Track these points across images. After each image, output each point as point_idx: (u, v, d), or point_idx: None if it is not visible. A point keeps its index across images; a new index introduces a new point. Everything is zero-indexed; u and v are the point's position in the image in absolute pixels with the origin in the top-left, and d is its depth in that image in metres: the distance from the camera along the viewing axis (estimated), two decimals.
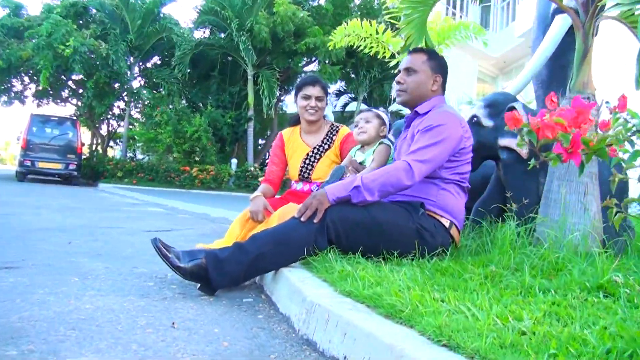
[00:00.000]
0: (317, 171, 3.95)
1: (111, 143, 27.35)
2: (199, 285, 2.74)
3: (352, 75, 23.42)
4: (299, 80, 4.05)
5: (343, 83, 24.23)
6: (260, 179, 19.73)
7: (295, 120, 4.20)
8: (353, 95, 24.00)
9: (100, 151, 25.64)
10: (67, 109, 29.92)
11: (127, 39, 20.93)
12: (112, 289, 2.79)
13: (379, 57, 9.21)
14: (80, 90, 22.80)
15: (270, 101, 20.33)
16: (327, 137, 4.02)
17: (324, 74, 20.54)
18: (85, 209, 8.34)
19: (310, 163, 3.98)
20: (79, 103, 24.05)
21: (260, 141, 25.63)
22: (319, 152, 3.98)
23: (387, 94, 23.56)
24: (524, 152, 3.54)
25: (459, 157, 2.97)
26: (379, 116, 3.39)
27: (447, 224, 2.96)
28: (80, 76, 21.64)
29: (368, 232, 2.78)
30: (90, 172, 21.08)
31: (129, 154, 24.30)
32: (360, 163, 3.31)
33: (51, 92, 24.27)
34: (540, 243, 3.02)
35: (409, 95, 3.14)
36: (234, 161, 20.88)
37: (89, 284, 2.88)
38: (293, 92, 4.15)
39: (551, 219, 3.24)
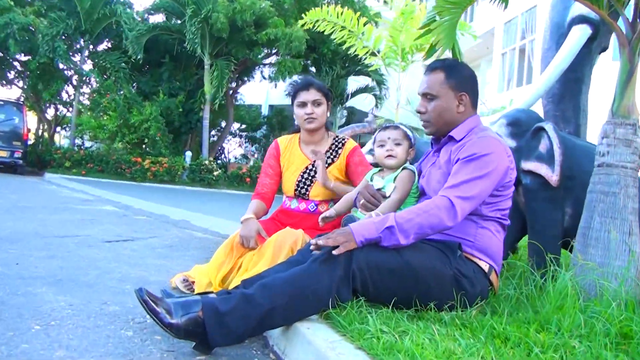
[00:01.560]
0: (316, 188, 3.48)
1: (58, 129, 26.11)
2: (193, 343, 2.22)
3: (313, 70, 22.89)
4: (290, 86, 3.54)
5: (300, 75, 23.68)
6: (215, 173, 19.39)
7: (294, 130, 3.73)
8: None
9: (47, 138, 24.43)
10: (13, 92, 28.46)
11: (73, 20, 19.72)
12: (85, 346, 2.25)
13: (351, 51, 8.77)
14: (28, 73, 21.57)
15: (219, 91, 19.57)
16: (332, 150, 3.54)
17: (284, 67, 19.98)
18: (35, 208, 7.65)
19: (309, 178, 3.50)
20: (25, 85, 22.80)
21: (214, 132, 24.83)
22: None
23: (346, 90, 23.17)
24: (554, 178, 3.14)
25: (502, 191, 2.55)
26: (408, 137, 2.90)
27: (486, 268, 2.53)
28: (29, 57, 20.43)
29: (401, 280, 2.33)
30: (36, 159, 19.99)
31: (77, 141, 23.19)
32: (377, 189, 2.82)
33: None
34: (586, 293, 2.62)
35: (434, 125, 2.70)
36: (189, 154, 20.12)
37: (54, 336, 2.34)
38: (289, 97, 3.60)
39: (592, 261, 2.85)
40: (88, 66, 21.91)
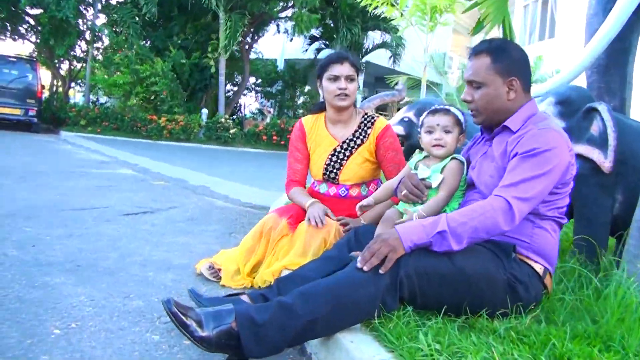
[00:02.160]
0: (347, 171, 3.26)
1: (72, 84, 25.86)
2: (227, 355, 2.06)
3: (330, 24, 22.32)
4: (323, 58, 3.28)
5: (319, 30, 23.07)
6: (231, 131, 19.14)
7: (318, 107, 3.45)
8: (328, 43, 22.94)
9: (62, 93, 24.22)
10: (26, 47, 28.08)
11: None
12: (109, 355, 2.09)
13: (370, 8, 8.42)
14: (40, 28, 21.20)
15: (231, 44, 19.14)
16: (360, 130, 3.30)
17: (300, 21, 19.48)
18: (50, 173, 7.49)
19: (338, 161, 3.27)
20: (37, 40, 22.46)
21: (229, 87, 24.48)
22: (350, 148, 3.27)
23: (363, 45, 22.65)
24: (607, 165, 2.90)
25: (561, 188, 2.31)
26: (459, 122, 2.64)
27: (541, 271, 2.32)
28: (41, 10, 20.01)
29: (451, 287, 2.13)
30: (51, 117, 19.77)
31: (92, 97, 22.96)
32: (421, 179, 2.57)
33: (8, 27, 22.58)
34: None
35: (483, 115, 2.45)
36: (205, 111, 19.82)
37: (76, 343, 2.19)
38: (316, 73, 3.36)
39: None
40: (101, 20, 21.53)
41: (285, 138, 19.43)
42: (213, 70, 19.86)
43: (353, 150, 3.25)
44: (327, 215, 3.06)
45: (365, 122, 3.30)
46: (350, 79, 3.16)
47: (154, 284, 3.02)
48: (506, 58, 2.39)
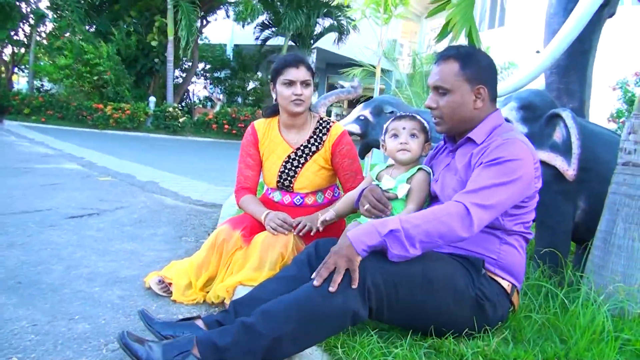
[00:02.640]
0: (302, 179, 3.13)
1: (16, 69, 24.87)
2: None
3: (280, 9, 22.04)
4: (277, 61, 3.10)
5: (269, 16, 22.75)
6: (180, 120, 18.74)
7: (272, 111, 3.28)
8: (276, 29, 22.65)
9: (5, 79, 23.28)
10: None
11: None
12: None
13: None
14: None
15: (189, 39, 18.75)
16: (315, 136, 3.16)
17: (248, 6, 19.19)
18: None
19: (293, 168, 3.13)
20: None
21: (178, 73, 23.95)
22: (305, 155, 3.14)
23: (313, 31, 22.46)
24: (570, 172, 2.86)
25: (527, 201, 2.24)
26: (424, 129, 2.54)
27: (509, 288, 2.25)
28: None
29: (420, 300, 2.05)
30: None
31: (36, 83, 22.14)
32: (386, 190, 2.46)
33: None
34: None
35: (447, 123, 2.35)
36: (152, 99, 19.33)
37: None
38: (270, 76, 3.19)
39: (612, 270, 2.61)
40: (45, 4, 20.77)
41: (236, 127, 19.19)
42: (155, 45, 19.27)
43: (308, 157, 3.12)
44: (284, 221, 2.91)
45: (321, 127, 3.17)
46: (305, 84, 3.01)
47: (101, 301, 2.84)
48: (475, 65, 2.29)
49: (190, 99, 25.89)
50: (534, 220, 2.41)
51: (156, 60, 20.28)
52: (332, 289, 1.93)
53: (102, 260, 3.59)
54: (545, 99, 3.15)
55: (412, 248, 1.99)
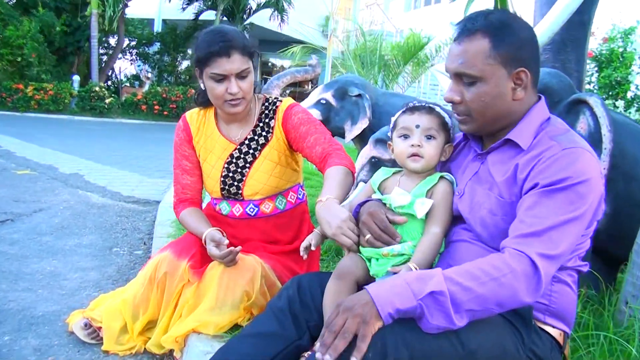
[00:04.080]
0: (252, 182, 2.40)
1: None
2: None
3: None
4: (200, 44, 2.25)
5: None
6: (107, 101, 17.57)
7: (205, 99, 2.45)
8: (205, 2, 21.55)
9: None
10: None
11: None
12: None
13: None
14: None
15: (115, 11, 17.60)
16: (262, 124, 2.43)
17: None
18: None
19: (239, 170, 2.41)
20: None
21: (103, 51, 22.56)
22: (252, 151, 2.41)
23: (247, 5, 21.54)
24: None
25: (588, 228, 1.65)
26: (446, 128, 1.86)
27: (561, 338, 1.67)
28: None
29: None
30: None
31: None
32: (395, 207, 1.81)
33: None
34: None
35: (476, 121, 1.71)
36: (76, 78, 17.99)
37: None
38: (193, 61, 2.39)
39: None
40: None
41: (167, 108, 18.24)
42: (80, 21, 18.05)
43: (256, 153, 2.41)
44: (228, 245, 2.19)
45: (267, 112, 2.44)
46: (243, 76, 2.25)
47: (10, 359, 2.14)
48: (512, 40, 1.65)
49: (117, 78, 24.50)
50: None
51: (80, 36, 18.94)
52: (329, 357, 1.30)
53: (14, 289, 2.86)
54: (563, 80, 2.61)
55: (458, 318, 1.38)
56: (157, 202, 5.12)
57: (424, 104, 1.85)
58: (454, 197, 1.81)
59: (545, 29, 3.12)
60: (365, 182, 3.42)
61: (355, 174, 3.52)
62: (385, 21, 22.64)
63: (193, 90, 19.35)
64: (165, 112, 18.20)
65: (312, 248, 1.86)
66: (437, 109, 1.84)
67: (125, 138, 12.01)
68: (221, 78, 2.21)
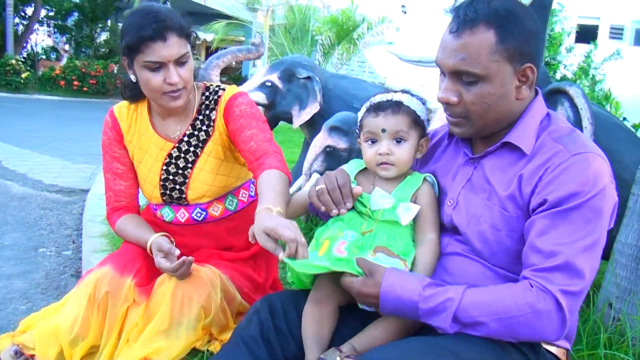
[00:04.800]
0: (196, 185, 2.09)
1: None
2: None
3: None
4: (125, 27, 1.94)
5: None
6: (23, 75, 16.56)
7: (136, 92, 2.09)
8: None
9: None
10: None
11: None
12: None
13: None
14: None
15: None
16: (202, 116, 2.11)
17: None
18: None
19: (180, 172, 2.10)
20: None
21: (18, 21, 21.28)
22: (193, 149, 2.10)
23: None
24: None
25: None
26: (419, 122, 1.63)
27: (564, 356, 1.53)
28: None
29: None
30: None
31: None
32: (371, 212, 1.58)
33: None
34: None
35: (475, 125, 1.50)
36: None
37: None
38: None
39: None
40: None
41: (87, 84, 17.39)
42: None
43: (198, 150, 2.10)
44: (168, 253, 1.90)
45: (208, 102, 2.13)
46: (181, 61, 1.94)
47: None
48: (520, 32, 1.44)
49: (33, 50, 23.18)
50: None
51: None
52: None
53: None
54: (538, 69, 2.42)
55: (453, 327, 1.36)
56: (83, 191, 4.76)
57: (388, 100, 1.61)
58: (445, 207, 1.61)
59: None
60: (320, 173, 3.19)
61: (309, 164, 3.29)
62: None
63: (114, 65, 18.55)
64: (85, 88, 17.34)
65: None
66: (406, 101, 1.61)
67: (45, 117, 11.28)
68: (157, 66, 1.88)
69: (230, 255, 2.16)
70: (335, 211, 1.50)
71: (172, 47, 1.88)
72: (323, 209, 1.53)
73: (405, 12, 19.98)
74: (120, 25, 23.09)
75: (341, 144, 3.12)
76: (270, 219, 1.47)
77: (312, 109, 3.59)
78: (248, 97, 2.13)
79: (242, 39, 20.08)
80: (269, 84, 3.70)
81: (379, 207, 1.56)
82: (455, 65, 1.43)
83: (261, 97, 3.64)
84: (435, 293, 1.36)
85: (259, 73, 3.85)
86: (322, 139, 3.15)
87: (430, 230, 1.58)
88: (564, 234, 1.33)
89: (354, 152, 3.11)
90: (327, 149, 3.14)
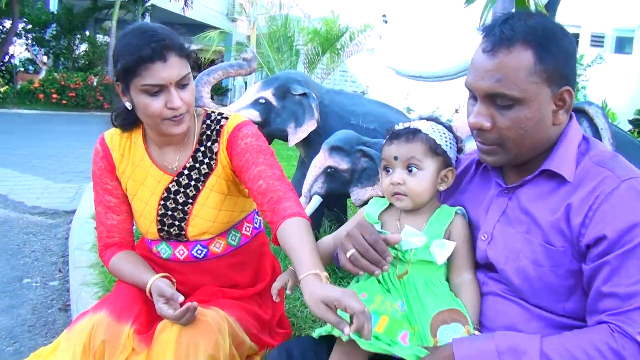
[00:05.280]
0: (198, 221, 1.92)
1: None
2: None
3: None
4: (119, 47, 1.76)
5: None
6: (1, 89, 16.23)
7: (129, 120, 1.93)
8: None
9: None
10: None
11: None
12: None
13: None
14: None
15: None
16: (204, 148, 1.93)
17: None
18: None
19: (179, 207, 1.92)
20: None
21: None
22: (194, 182, 1.92)
23: None
24: None
25: None
26: (438, 151, 1.50)
27: None
28: None
29: None
30: None
31: None
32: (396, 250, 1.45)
33: None
34: None
35: (510, 153, 1.40)
36: None
37: None
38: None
39: None
40: None
41: (66, 97, 17.07)
42: None
43: (200, 184, 1.92)
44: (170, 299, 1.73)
45: (210, 132, 1.94)
46: (182, 84, 1.77)
47: None
48: (559, 53, 1.33)
49: (11, 63, 22.81)
50: None
51: None
52: None
53: None
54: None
55: None
56: (67, 213, 4.56)
57: (406, 128, 1.51)
58: (479, 242, 1.48)
59: None
60: (321, 195, 3.04)
61: (309, 185, 3.14)
62: (294, 5, 22.25)
63: (93, 78, 18.28)
64: (64, 101, 17.03)
65: (288, 292, 1.54)
66: (425, 129, 1.51)
67: (24, 132, 10.98)
68: (157, 90, 1.72)
69: (235, 293, 1.98)
70: (378, 272, 1.36)
71: (173, 68, 1.72)
72: (362, 273, 1.39)
73: (386, 22, 20.00)
74: (99, 36, 23.07)
75: (343, 164, 2.98)
76: (332, 289, 1.31)
77: (309, 126, 3.45)
78: (253, 127, 1.95)
79: (222, 49, 19.89)
80: (263, 101, 3.55)
81: (411, 247, 1.44)
82: (490, 87, 1.33)
83: (255, 115, 3.49)
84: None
85: (252, 89, 3.71)
86: (322, 160, 3.01)
87: (467, 269, 1.48)
88: (635, 271, 1.24)
89: (356, 173, 2.98)
90: (328, 170, 3.00)
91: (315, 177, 3.02)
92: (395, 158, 1.49)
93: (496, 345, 1.26)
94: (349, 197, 3.08)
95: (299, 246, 1.54)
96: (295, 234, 1.59)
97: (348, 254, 1.38)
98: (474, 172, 1.61)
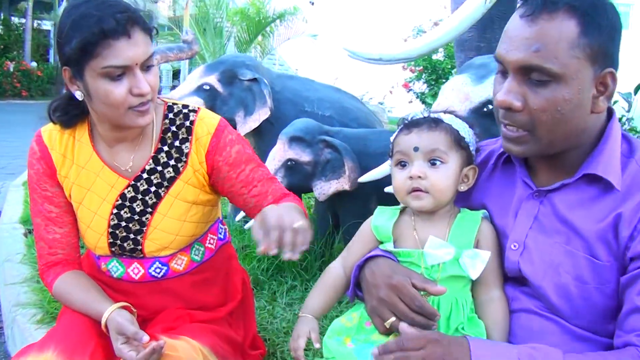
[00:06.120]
0: (159, 235, 1.63)
1: None
2: None
3: None
4: (70, 24, 1.41)
5: None
6: None
7: (71, 114, 1.62)
8: None
9: None
10: None
11: None
12: None
13: None
14: None
15: None
16: (168, 146, 1.63)
17: None
18: None
19: (136, 218, 1.63)
20: None
21: None
22: (154, 188, 1.63)
23: None
24: None
25: None
26: (462, 144, 1.33)
27: None
28: None
29: None
30: None
31: None
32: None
33: None
34: None
35: (540, 141, 1.22)
36: None
37: None
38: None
39: None
40: None
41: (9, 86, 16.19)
42: None
43: (162, 191, 1.62)
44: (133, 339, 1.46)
45: (175, 128, 1.64)
46: (148, 64, 1.48)
47: None
48: (606, 27, 1.18)
49: None
50: None
51: None
52: None
53: None
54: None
55: None
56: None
57: (425, 117, 1.35)
58: (508, 252, 1.28)
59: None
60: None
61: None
62: None
63: (9, 63, 17.35)
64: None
65: (317, 345, 1.33)
66: (447, 119, 1.35)
67: None
68: (120, 72, 1.42)
69: (204, 316, 1.70)
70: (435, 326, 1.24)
71: (138, 45, 1.43)
72: None
73: (312, 4, 19.77)
74: (14, 19, 21.80)
75: (304, 156, 2.73)
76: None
77: (261, 114, 3.19)
78: (232, 129, 1.71)
79: None
80: (207, 87, 3.28)
81: (438, 261, 1.25)
82: (526, 58, 1.16)
83: (199, 103, 3.20)
84: None
85: (194, 75, 3.43)
86: (281, 152, 2.75)
87: (495, 284, 1.33)
88: None
89: (320, 165, 2.74)
90: (289, 163, 2.74)
91: (275, 171, 2.77)
92: (416, 149, 1.30)
93: (518, 356, 1.13)
94: (311, 192, 2.84)
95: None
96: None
97: (387, 323, 1.25)
98: (492, 167, 1.43)
